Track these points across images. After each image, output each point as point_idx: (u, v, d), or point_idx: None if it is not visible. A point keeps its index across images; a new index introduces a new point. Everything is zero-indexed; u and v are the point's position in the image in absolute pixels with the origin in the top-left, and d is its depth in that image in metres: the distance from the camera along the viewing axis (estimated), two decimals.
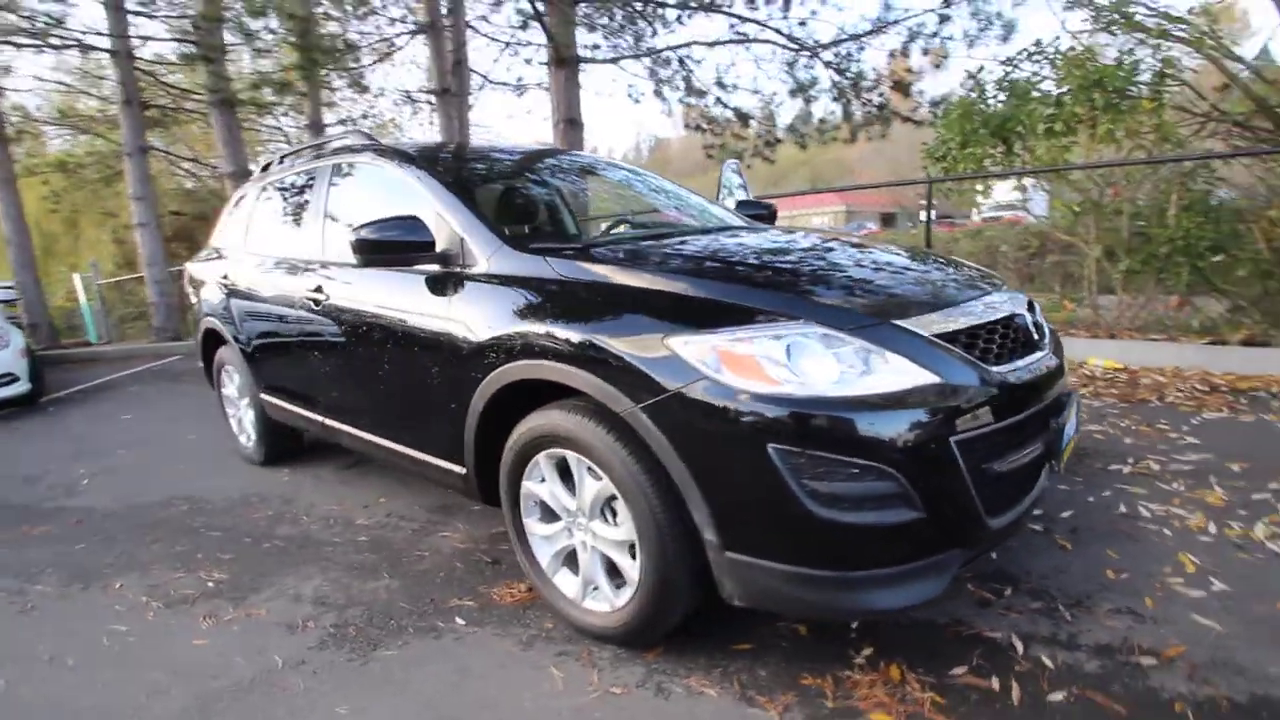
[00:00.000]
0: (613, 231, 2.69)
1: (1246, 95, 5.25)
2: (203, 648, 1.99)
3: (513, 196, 2.59)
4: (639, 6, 8.09)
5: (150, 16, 8.38)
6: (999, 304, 1.75)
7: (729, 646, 1.80)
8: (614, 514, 1.76)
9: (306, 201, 2.96)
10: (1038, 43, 5.14)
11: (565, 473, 1.85)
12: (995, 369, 1.58)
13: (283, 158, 3.51)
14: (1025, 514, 1.65)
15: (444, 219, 2.15)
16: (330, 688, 1.76)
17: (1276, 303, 3.93)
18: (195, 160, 14.59)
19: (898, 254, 2.07)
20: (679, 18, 7.80)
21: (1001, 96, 5.21)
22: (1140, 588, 1.95)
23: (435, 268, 2.14)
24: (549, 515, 1.97)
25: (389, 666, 1.84)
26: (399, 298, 2.26)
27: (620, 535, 1.72)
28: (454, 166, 2.50)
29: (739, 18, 7.63)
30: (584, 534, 1.84)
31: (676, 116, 8.90)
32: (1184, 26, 5.08)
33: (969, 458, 1.45)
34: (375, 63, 8.28)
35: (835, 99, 7.95)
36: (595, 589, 1.86)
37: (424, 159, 2.43)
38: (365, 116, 12.06)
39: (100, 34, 8.45)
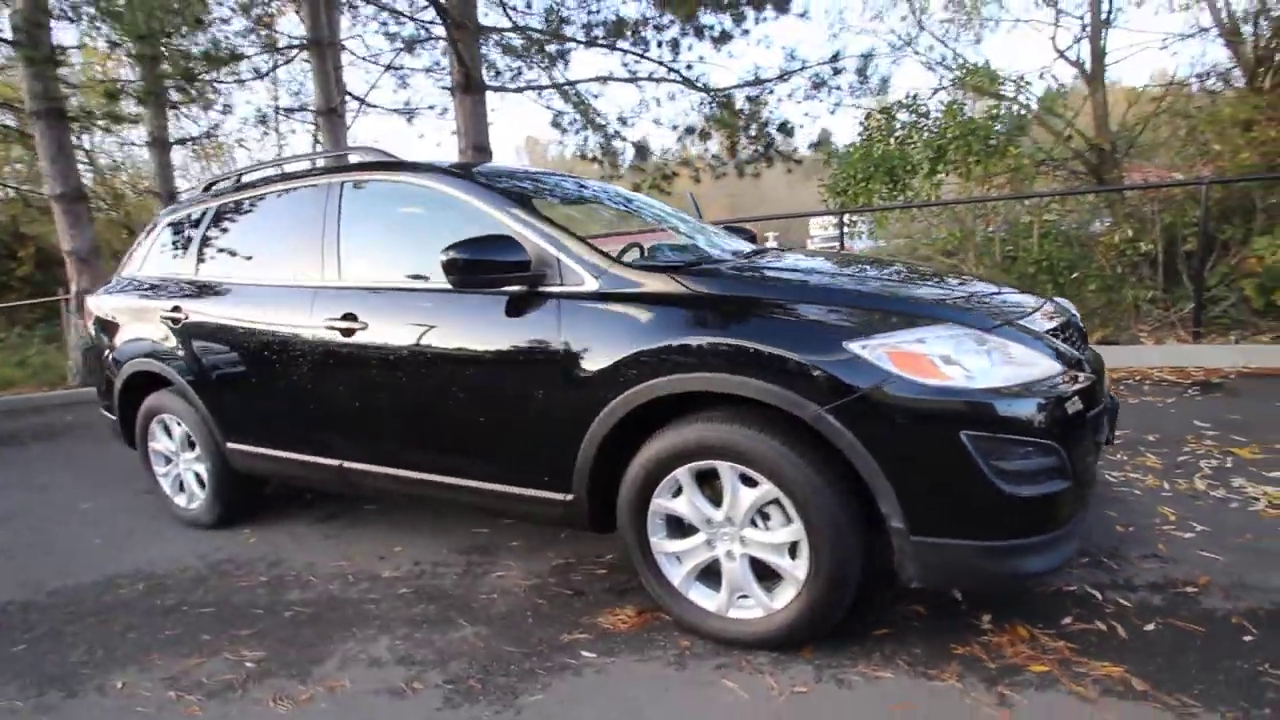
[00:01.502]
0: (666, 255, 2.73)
1: (1065, 146, 6.62)
2: None
3: (576, 217, 2.55)
4: (537, 38, 8.19)
5: None
6: (1060, 308, 2.10)
7: (871, 634, 1.92)
8: (765, 518, 1.82)
9: (302, 223, 2.66)
10: (913, 97, 6.04)
11: (691, 486, 1.87)
12: (1083, 358, 1.90)
13: (240, 176, 3.11)
14: None
15: (531, 239, 2.09)
16: None
17: (1118, 310, 4.94)
18: None
19: (963, 272, 2.38)
20: (562, 52, 8.00)
21: (889, 141, 6.03)
22: (1148, 537, 2.38)
23: (521, 288, 2.06)
24: (679, 531, 1.96)
25: (547, 711, 1.71)
26: (478, 322, 2.13)
27: (780, 538, 1.78)
28: (516, 187, 2.42)
29: (637, 54, 7.99)
30: (731, 543, 1.87)
31: (571, 146, 9.06)
32: (1019, 92, 6.29)
33: (1090, 431, 1.73)
34: (244, 80, 7.49)
35: (726, 138, 8.59)
36: (742, 597, 1.89)
37: (486, 179, 2.33)
38: (209, 136, 10.81)
39: None
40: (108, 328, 3.31)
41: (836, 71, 6.50)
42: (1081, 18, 7.22)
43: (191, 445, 3.09)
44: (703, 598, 1.94)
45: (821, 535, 1.70)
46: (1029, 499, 1.59)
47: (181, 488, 3.22)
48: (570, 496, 2.06)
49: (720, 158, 8.88)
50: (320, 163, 3.04)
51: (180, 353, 2.92)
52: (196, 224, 3.07)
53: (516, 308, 2.06)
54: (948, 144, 5.37)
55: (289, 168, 3.04)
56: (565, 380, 1.98)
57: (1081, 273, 5.03)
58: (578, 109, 8.56)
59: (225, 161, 13.02)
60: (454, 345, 2.17)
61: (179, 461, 3.18)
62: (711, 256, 2.32)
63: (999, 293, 2.09)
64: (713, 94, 7.87)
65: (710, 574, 1.95)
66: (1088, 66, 7.05)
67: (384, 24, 8.32)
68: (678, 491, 1.91)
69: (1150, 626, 1.86)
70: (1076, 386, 1.71)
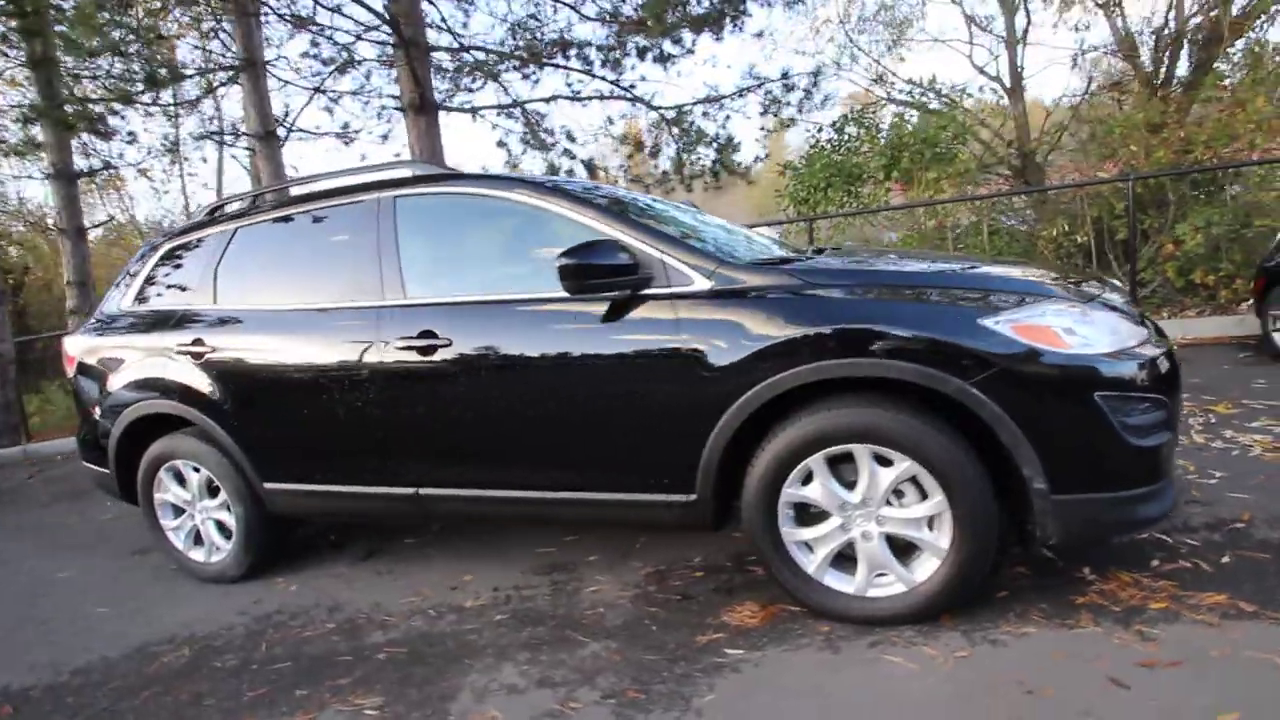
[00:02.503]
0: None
1: (992, 153, 7.30)
2: None
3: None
4: (481, 58, 8.13)
5: None
6: (1117, 285, 2.33)
7: (993, 598, 2.03)
8: (899, 495, 1.90)
9: (351, 242, 2.52)
10: (859, 111, 6.47)
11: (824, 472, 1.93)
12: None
13: (255, 198, 2.91)
14: None
15: (635, 243, 2.09)
16: None
17: None
18: None
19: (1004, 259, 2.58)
20: (528, 72, 8.00)
21: (841, 152, 6.43)
22: (1180, 486, 2.65)
23: (627, 292, 2.07)
24: (809, 519, 2.01)
25: (730, 709, 1.70)
26: (586, 329, 2.10)
27: (919, 512, 1.86)
28: (604, 196, 2.41)
29: (586, 72, 8.09)
30: (868, 523, 1.93)
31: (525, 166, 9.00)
32: (954, 106, 6.89)
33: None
34: (170, 105, 6.94)
35: (675, 154, 8.82)
36: (880, 575, 1.95)
37: (575, 189, 2.32)
38: (108, 166, 9.91)
39: None
40: (95, 371, 2.98)
41: (788, 89, 6.88)
42: (1003, 38, 8.07)
43: (212, 492, 2.83)
44: (838, 581, 1.99)
45: (965, 505, 1.79)
46: (1147, 450, 1.76)
47: (198, 540, 2.93)
48: (692, 497, 2.06)
49: (669, 173, 9.09)
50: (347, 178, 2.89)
51: (203, 389, 2.68)
52: (210, 250, 2.83)
53: (627, 312, 2.06)
54: (901, 153, 5.81)
55: (306, 187, 2.87)
56: (687, 381, 1.99)
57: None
58: (527, 128, 8.53)
59: (124, 195, 11.94)
60: (560, 354, 2.13)
61: (195, 511, 2.89)
62: (800, 255, 2.40)
63: (1056, 275, 2.30)
64: (661, 111, 8.06)
65: (839, 557, 2.00)
66: (1007, 82, 7.87)
67: (315, 44, 7.97)
68: (807, 479, 1.96)
69: (1225, 559, 2.09)
70: (1165, 348, 1.91)
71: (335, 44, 7.50)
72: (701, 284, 2.03)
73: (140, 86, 5.33)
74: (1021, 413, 1.73)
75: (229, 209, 2.96)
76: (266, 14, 7.22)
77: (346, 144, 8.13)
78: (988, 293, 1.87)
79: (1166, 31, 6.71)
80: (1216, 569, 2.04)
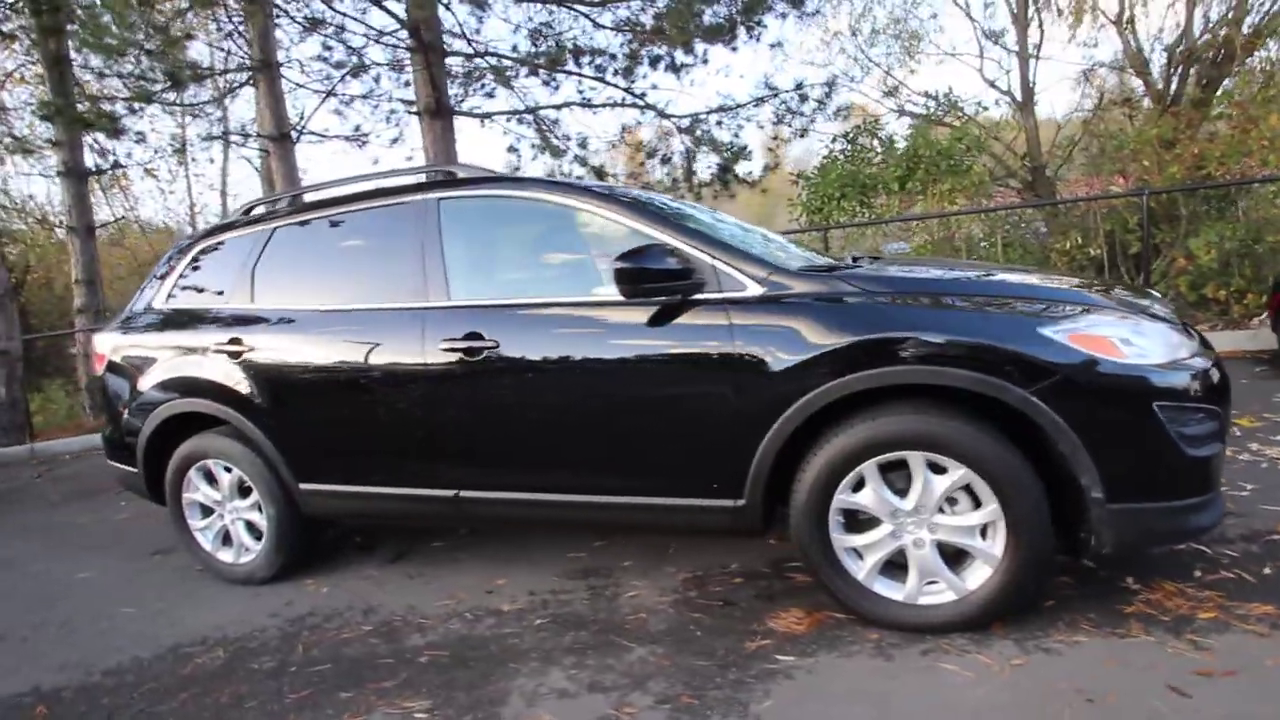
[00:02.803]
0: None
1: (1003, 166, 7.38)
2: None
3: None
4: (495, 63, 8.16)
5: None
6: (1159, 297, 2.35)
7: (1041, 607, 2.03)
8: (952, 503, 1.91)
9: (394, 244, 2.53)
10: (874, 122, 6.53)
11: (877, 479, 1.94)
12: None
13: (292, 198, 2.91)
14: None
15: (687, 248, 2.10)
16: None
17: None
18: None
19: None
20: (545, 78, 8.04)
21: (856, 162, 6.47)
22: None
23: (678, 297, 2.07)
24: (858, 525, 2.01)
25: (790, 715, 1.70)
26: (638, 333, 2.11)
27: (972, 520, 1.87)
28: (657, 202, 2.43)
29: (599, 79, 8.12)
30: (919, 530, 1.93)
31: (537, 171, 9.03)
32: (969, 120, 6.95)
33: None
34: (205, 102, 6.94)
35: (685, 162, 8.87)
36: (931, 583, 1.95)
37: (630, 195, 2.34)
38: (117, 165, 9.88)
39: None
40: (126, 369, 2.96)
41: (803, 99, 6.93)
42: (1015, 51, 8.19)
43: (244, 492, 2.81)
44: (888, 589, 1.99)
45: (1020, 513, 1.80)
46: (1201, 460, 1.77)
47: (226, 541, 2.90)
48: (741, 502, 2.06)
49: (679, 180, 9.13)
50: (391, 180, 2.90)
51: (240, 388, 2.66)
52: (247, 250, 2.82)
53: (679, 316, 2.07)
54: (918, 164, 5.87)
55: (345, 188, 2.88)
56: (740, 387, 1.99)
57: None
58: (539, 134, 8.56)
59: (129, 195, 11.91)
60: (611, 358, 2.13)
61: (225, 511, 2.87)
62: (842, 263, 2.41)
63: (1102, 287, 2.32)
64: (674, 119, 8.11)
65: (887, 564, 2.00)
66: (1018, 96, 7.98)
67: (329, 48, 7.99)
68: (858, 486, 1.96)
69: (1267, 570, 2.10)
70: (1213, 358, 1.93)
71: (349, 48, 7.51)
72: (754, 290, 2.04)
73: (160, 86, 5.33)
74: (1080, 421, 1.74)
75: (256, 211, 2.96)
76: (280, 16, 7.25)
77: (360, 146, 8.14)
78: (1043, 302, 1.89)
79: (1181, 49, 6.82)
80: (1260, 580, 2.05)
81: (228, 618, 2.61)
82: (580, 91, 8.74)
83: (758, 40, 7.05)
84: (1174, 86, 6.84)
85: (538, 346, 2.23)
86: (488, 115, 7.74)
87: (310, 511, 2.70)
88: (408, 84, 7.18)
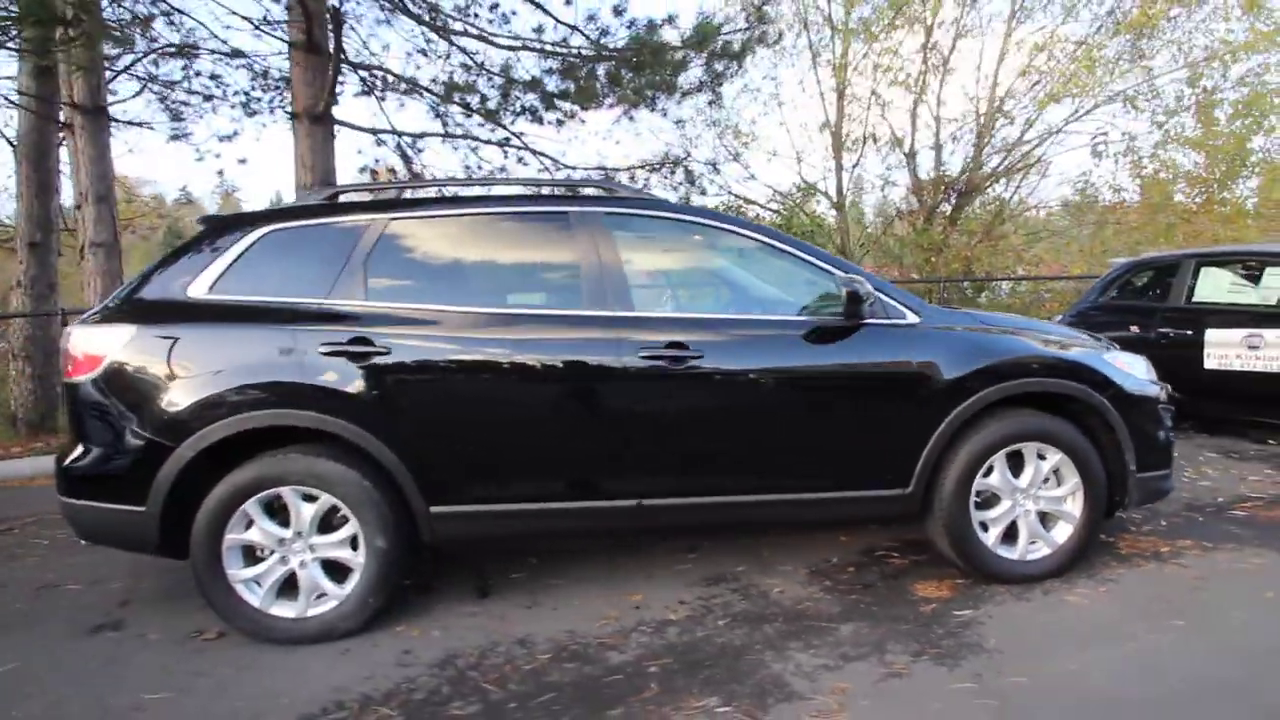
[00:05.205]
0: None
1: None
2: None
3: None
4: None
5: None
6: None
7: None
8: (1044, 481, 2.64)
9: (555, 252, 2.51)
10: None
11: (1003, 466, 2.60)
12: None
13: (399, 190, 2.62)
14: None
15: (863, 284, 2.56)
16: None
17: None
18: None
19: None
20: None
21: None
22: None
23: (857, 322, 2.52)
24: (985, 503, 2.61)
25: (1009, 643, 2.15)
26: (828, 350, 2.48)
27: (1063, 491, 2.61)
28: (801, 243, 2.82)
29: (465, 110, 8.08)
30: (1028, 502, 2.61)
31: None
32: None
33: None
34: None
35: None
36: (1033, 543, 2.63)
37: (780, 235, 2.72)
38: None
39: None
40: (145, 373, 2.25)
41: (673, 171, 7.82)
42: (831, 167, 10.46)
43: (327, 527, 2.34)
44: (1008, 551, 2.61)
45: (1093, 483, 2.59)
46: (1172, 442, 2.78)
47: (285, 591, 2.35)
48: (909, 490, 2.53)
49: None
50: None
51: (362, 397, 2.27)
52: (347, 242, 2.44)
53: (851, 337, 2.50)
54: None
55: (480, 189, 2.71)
56: (916, 393, 2.50)
57: None
58: (404, 160, 8.13)
59: None
60: (805, 367, 2.46)
61: (292, 552, 2.33)
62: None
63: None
64: (557, 166, 8.41)
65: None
66: (834, 197, 10.12)
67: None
68: (988, 472, 2.58)
69: (1239, 513, 3.24)
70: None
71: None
72: (913, 319, 2.58)
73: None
74: (1126, 417, 2.62)
75: (347, 198, 2.60)
76: None
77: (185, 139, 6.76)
78: (1093, 339, 2.79)
79: (944, 178, 9.61)
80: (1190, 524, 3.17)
81: (338, 683, 2.12)
82: (444, 124, 8.54)
83: (652, 110, 7.78)
84: (940, 206, 9.57)
85: (736, 357, 2.45)
86: (376, 131, 7.12)
87: (436, 537, 2.38)
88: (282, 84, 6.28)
